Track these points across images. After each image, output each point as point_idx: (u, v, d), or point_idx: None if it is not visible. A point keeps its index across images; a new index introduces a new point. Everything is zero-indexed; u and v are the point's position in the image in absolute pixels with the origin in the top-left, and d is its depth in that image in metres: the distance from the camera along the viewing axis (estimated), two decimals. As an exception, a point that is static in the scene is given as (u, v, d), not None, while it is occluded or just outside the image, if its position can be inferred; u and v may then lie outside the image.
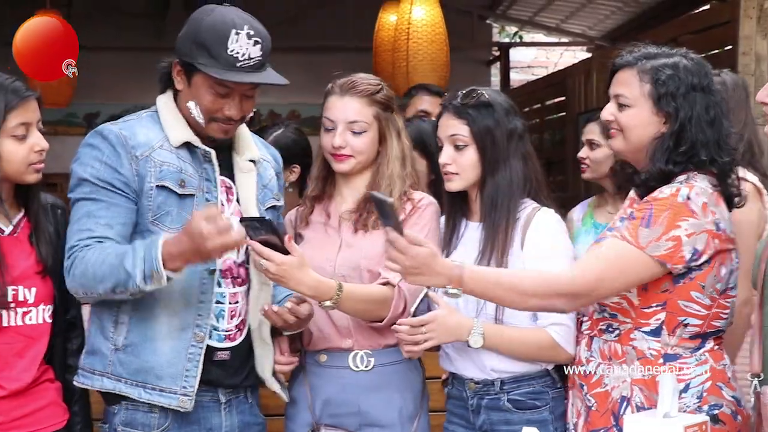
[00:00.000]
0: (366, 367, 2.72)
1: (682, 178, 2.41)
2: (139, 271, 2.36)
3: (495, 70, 10.11)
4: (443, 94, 4.30)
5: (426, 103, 4.17)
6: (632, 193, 2.61)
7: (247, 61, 2.47)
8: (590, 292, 2.37)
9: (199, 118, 2.53)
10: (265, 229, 2.42)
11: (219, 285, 2.56)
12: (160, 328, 2.50)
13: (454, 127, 2.68)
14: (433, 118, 4.06)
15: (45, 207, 2.66)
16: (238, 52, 2.45)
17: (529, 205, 2.67)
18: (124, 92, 8.01)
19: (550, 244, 2.62)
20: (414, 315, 2.62)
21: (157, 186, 2.50)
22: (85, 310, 2.86)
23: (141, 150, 2.51)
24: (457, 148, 2.67)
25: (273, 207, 2.72)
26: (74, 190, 2.53)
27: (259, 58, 2.49)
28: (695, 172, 2.41)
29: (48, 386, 2.62)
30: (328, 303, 2.55)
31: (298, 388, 2.80)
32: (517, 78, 10.02)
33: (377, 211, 2.45)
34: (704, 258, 2.37)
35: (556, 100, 7.81)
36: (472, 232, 2.72)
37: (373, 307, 2.64)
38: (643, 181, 2.46)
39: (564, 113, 7.61)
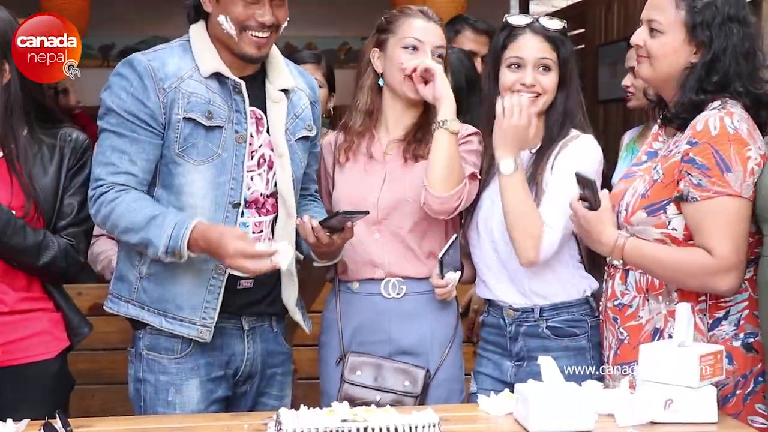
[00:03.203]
0: (397, 294, 2.73)
1: (716, 104, 2.37)
2: (163, 245, 2.43)
3: (514, 1, 9.97)
4: (492, 32, 4.17)
5: (471, 42, 3.92)
6: (656, 128, 2.58)
7: None
8: (738, 263, 2.33)
9: (231, 30, 2.52)
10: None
11: (242, 215, 2.56)
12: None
13: (545, 51, 2.68)
14: (479, 58, 3.98)
15: (59, 141, 2.59)
16: None
17: (569, 132, 2.66)
18: (139, 23, 7.92)
19: (567, 170, 2.57)
20: (440, 261, 2.62)
21: (185, 118, 2.50)
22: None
23: (169, 81, 2.51)
24: (544, 71, 2.67)
25: (305, 138, 2.70)
26: (102, 118, 2.56)
27: None
28: (727, 99, 2.37)
29: (40, 315, 2.57)
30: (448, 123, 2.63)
31: (331, 316, 2.82)
32: (536, 9, 9.87)
33: (580, 187, 2.44)
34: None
35: (576, 31, 7.70)
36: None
37: (457, 178, 2.63)
38: (674, 114, 2.43)
39: (583, 45, 7.51)
